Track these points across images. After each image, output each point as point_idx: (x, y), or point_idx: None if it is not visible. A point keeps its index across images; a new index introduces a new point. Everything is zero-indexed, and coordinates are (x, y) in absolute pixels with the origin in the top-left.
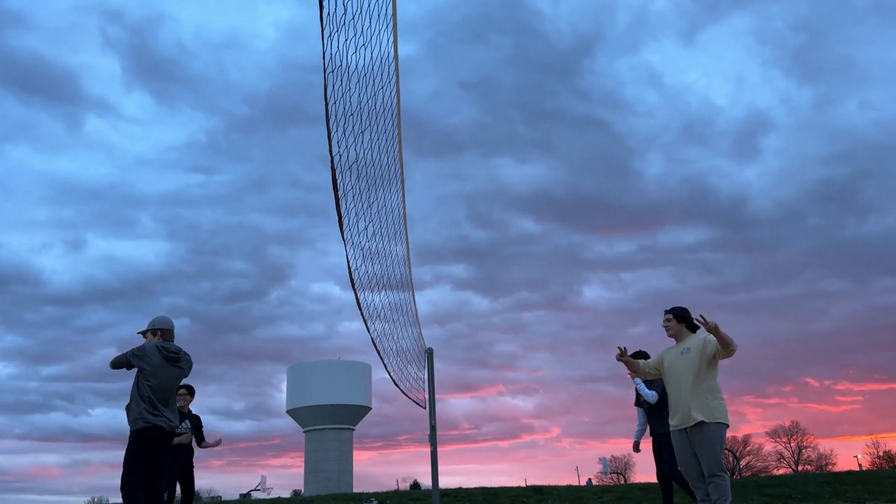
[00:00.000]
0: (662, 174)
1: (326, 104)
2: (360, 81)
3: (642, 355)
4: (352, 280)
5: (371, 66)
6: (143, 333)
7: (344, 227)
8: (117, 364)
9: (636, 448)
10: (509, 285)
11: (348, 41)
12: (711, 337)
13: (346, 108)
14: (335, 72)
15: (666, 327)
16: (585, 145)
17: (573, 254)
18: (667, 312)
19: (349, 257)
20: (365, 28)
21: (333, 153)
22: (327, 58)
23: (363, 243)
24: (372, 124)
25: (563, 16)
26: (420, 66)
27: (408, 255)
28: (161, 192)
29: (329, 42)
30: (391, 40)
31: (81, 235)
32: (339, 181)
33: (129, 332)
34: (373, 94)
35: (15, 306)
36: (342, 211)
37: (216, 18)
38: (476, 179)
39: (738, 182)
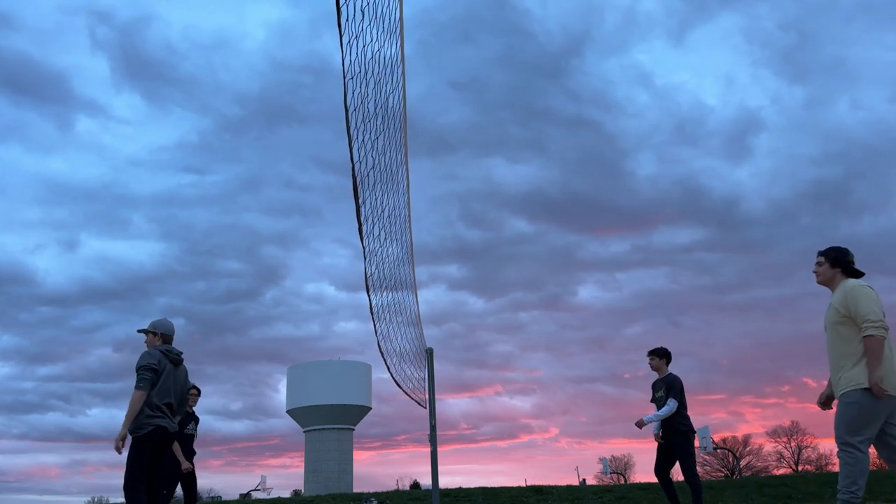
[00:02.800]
0: (655, 174)
1: (347, 111)
2: (376, 87)
3: (664, 353)
4: (367, 286)
5: (382, 72)
6: (145, 332)
7: (364, 234)
8: (145, 387)
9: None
10: (504, 285)
11: (366, 47)
12: (853, 288)
13: (365, 114)
14: (354, 78)
15: (815, 273)
16: (577, 145)
17: (567, 254)
18: (820, 254)
19: (366, 263)
20: (378, 34)
21: (355, 160)
22: (346, 64)
23: (377, 248)
24: (385, 129)
25: (552, 16)
26: (409, 66)
27: (411, 256)
28: (154, 192)
29: (348, 48)
30: (386, 45)
31: (75, 236)
32: (359, 188)
33: (124, 333)
34: (385, 98)
35: (10, 306)
36: (361, 217)
37: (204, 19)
38: (469, 179)
39: (731, 182)
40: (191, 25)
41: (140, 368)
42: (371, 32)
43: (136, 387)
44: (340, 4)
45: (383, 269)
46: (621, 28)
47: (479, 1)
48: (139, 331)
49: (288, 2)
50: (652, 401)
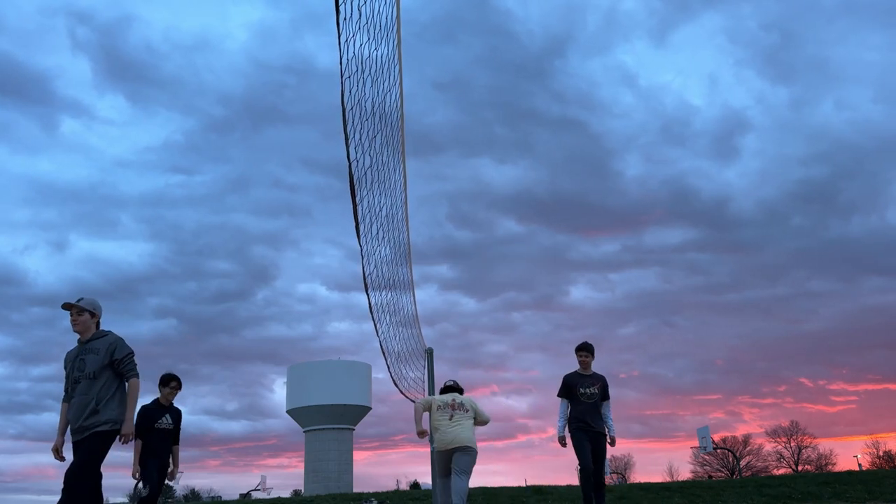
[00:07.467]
0: (643, 175)
1: (343, 110)
2: (374, 85)
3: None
4: (366, 285)
5: (379, 70)
6: (80, 310)
7: (361, 233)
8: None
9: (563, 442)
10: (496, 285)
11: (363, 46)
12: None
13: (362, 113)
14: (351, 77)
15: None
16: (563, 146)
17: (558, 254)
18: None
19: (364, 263)
20: (375, 33)
21: (351, 159)
22: (344, 63)
23: (375, 248)
24: (382, 129)
25: (533, 16)
26: (393, 66)
27: (409, 256)
28: (142, 192)
29: (345, 48)
30: (383, 45)
31: (64, 236)
32: (356, 187)
33: (116, 333)
34: (379, 98)
35: (2, 307)
36: (359, 217)
37: (185, 20)
38: (457, 180)
39: (719, 182)
40: (172, 26)
41: (131, 355)
42: (364, 33)
43: (136, 374)
44: (339, 3)
45: (381, 270)
46: (603, 28)
47: (460, 1)
48: (66, 306)
49: (269, 3)
50: (582, 397)
